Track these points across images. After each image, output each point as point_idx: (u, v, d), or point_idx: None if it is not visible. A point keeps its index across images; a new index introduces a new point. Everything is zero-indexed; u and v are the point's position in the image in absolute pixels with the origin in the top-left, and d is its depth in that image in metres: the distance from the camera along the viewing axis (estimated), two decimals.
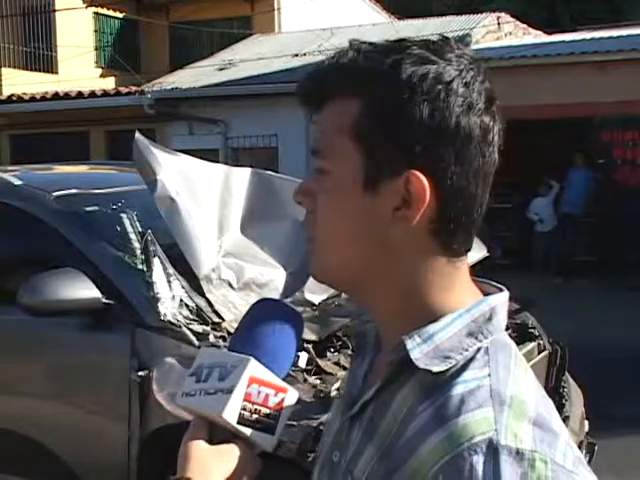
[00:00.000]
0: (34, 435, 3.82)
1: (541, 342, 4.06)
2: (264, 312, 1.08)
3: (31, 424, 3.86)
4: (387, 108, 0.92)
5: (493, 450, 0.84)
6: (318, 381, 3.26)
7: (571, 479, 0.85)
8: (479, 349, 0.93)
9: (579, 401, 4.28)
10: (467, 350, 0.92)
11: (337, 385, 3.26)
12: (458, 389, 0.90)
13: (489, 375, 0.91)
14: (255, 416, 0.99)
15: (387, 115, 0.92)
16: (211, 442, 0.99)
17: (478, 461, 0.83)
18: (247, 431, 0.99)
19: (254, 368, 0.99)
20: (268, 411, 1.00)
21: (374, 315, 1.02)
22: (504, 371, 0.92)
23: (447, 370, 0.91)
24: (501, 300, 0.98)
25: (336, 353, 3.59)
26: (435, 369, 0.91)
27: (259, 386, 0.99)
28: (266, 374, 1.00)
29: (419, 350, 0.92)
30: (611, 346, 8.24)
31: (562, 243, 13.35)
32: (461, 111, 0.92)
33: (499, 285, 1.01)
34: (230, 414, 0.98)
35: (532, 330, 4.05)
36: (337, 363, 3.48)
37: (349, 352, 3.61)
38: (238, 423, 0.98)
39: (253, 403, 0.99)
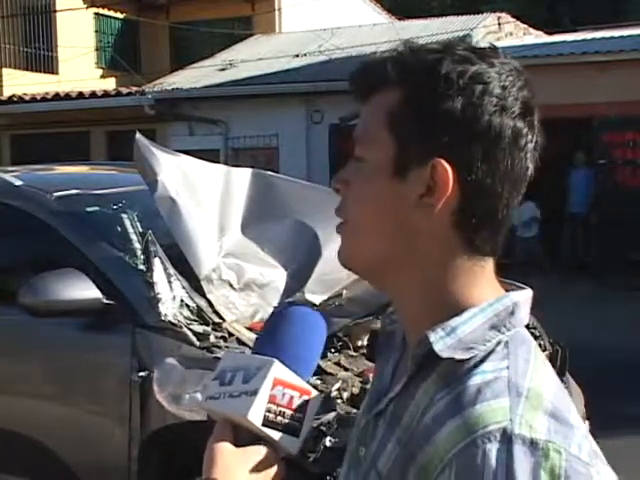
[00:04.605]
0: (34, 435, 3.83)
1: (542, 342, 4.05)
2: (289, 315, 1.08)
3: (31, 424, 3.86)
4: (422, 99, 0.96)
5: (507, 439, 0.85)
6: (319, 381, 3.25)
7: (586, 470, 0.86)
8: (499, 342, 0.95)
9: (579, 401, 4.28)
10: (489, 342, 0.95)
11: (337, 385, 3.26)
12: (476, 379, 0.91)
13: (507, 367, 0.92)
14: (280, 418, 0.99)
15: (421, 105, 0.96)
16: (236, 445, 0.99)
17: (491, 449, 0.85)
18: (272, 433, 0.99)
19: (278, 370, 0.99)
20: (292, 413, 1.00)
21: (399, 309, 1.04)
22: (523, 364, 0.93)
23: (469, 360, 0.94)
24: (524, 297, 1.00)
25: (337, 353, 3.59)
26: (458, 357, 0.93)
27: (283, 388, 0.99)
28: (290, 376, 1.00)
29: (442, 343, 0.94)
30: (611, 346, 8.24)
31: (570, 243, 13.42)
32: (494, 111, 0.95)
33: (523, 286, 1.05)
34: (255, 416, 0.97)
35: (533, 330, 4.05)
36: (338, 363, 3.48)
37: (350, 352, 3.61)
38: (263, 425, 0.98)
39: (278, 405, 0.99)
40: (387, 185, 0.97)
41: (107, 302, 3.56)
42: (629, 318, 9.57)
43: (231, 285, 3.80)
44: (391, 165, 0.97)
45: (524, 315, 0.99)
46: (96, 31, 19.82)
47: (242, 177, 4.25)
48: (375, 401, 1.04)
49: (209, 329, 3.53)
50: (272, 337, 1.05)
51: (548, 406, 0.90)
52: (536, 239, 13.53)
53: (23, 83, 17.14)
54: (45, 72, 18.43)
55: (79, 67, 18.22)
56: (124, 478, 3.54)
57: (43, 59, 18.60)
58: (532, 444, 0.85)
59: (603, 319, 9.61)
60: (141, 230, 3.88)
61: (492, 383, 0.90)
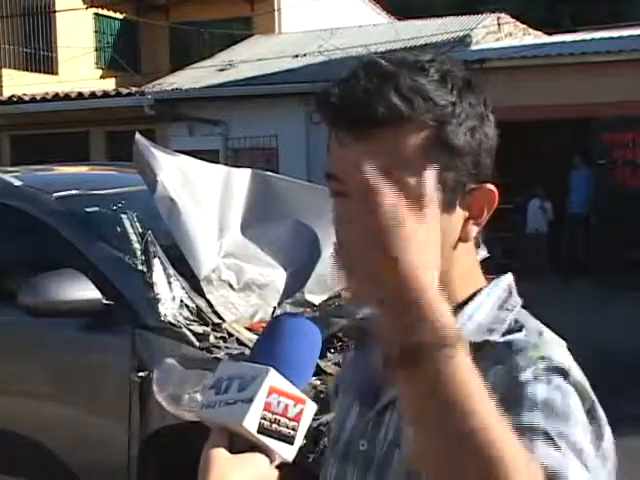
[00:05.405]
0: (34, 435, 3.83)
1: None
2: (284, 325, 1.09)
3: (31, 424, 3.87)
4: (466, 135, 1.02)
5: (551, 371, 0.98)
6: (318, 382, 3.26)
7: (599, 410, 0.99)
8: (511, 321, 1.07)
9: None
10: (506, 320, 1.06)
11: None
12: (503, 347, 1.02)
13: (526, 335, 1.05)
14: (275, 426, 0.99)
15: (465, 140, 1.02)
16: (231, 452, 1.00)
17: (537, 384, 0.96)
18: (267, 441, 0.99)
19: (274, 378, 1.00)
20: (287, 421, 1.00)
21: None
22: (535, 325, 1.07)
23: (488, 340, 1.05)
24: (511, 279, 1.13)
25: (336, 354, 3.59)
26: (492, 339, 1.04)
27: (279, 396, 1.00)
28: (286, 385, 1.01)
29: (465, 330, 1.03)
30: (611, 346, 8.23)
31: (570, 243, 13.44)
32: (493, 124, 1.06)
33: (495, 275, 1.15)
34: (250, 423, 0.98)
35: None
36: (337, 364, 3.48)
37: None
38: (258, 432, 0.98)
39: (273, 413, 0.99)
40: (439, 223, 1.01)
41: (107, 302, 3.56)
42: (629, 318, 9.56)
43: (231, 285, 3.80)
44: (439, 198, 0.98)
45: (518, 295, 1.11)
46: (96, 31, 19.81)
47: (242, 177, 4.25)
48: (368, 397, 1.11)
49: (209, 329, 3.53)
50: (268, 346, 1.05)
51: (571, 361, 1.03)
52: (545, 239, 13.55)
53: (23, 83, 17.14)
54: (45, 72, 18.43)
55: (79, 67, 18.22)
56: (124, 478, 3.54)
57: (43, 59, 18.60)
58: (567, 378, 0.98)
59: (603, 319, 9.61)
60: (141, 230, 3.88)
61: (517, 342, 1.02)
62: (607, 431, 1.00)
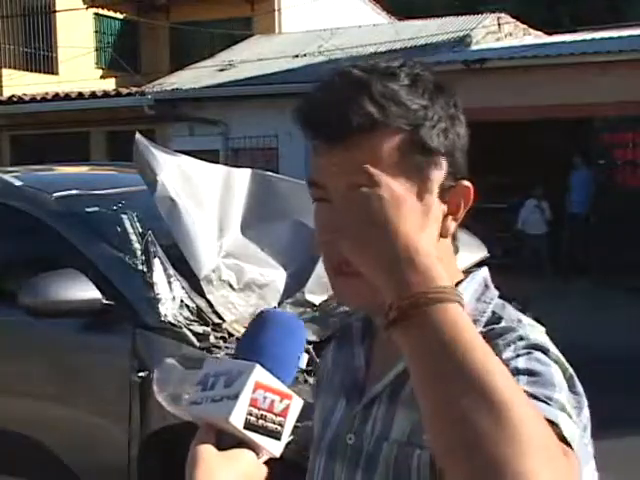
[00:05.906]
0: (34, 435, 3.83)
1: None
2: (268, 320, 1.09)
3: (31, 424, 3.87)
4: (439, 136, 1.05)
5: (531, 347, 0.99)
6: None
7: (579, 386, 1.01)
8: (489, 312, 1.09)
9: None
10: (485, 312, 1.08)
11: None
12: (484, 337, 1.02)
13: (505, 323, 1.06)
14: (261, 422, 1.00)
15: (440, 141, 1.05)
16: (218, 448, 1.01)
17: (519, 358, 0.98)
18: (253, 436, 1.00)
19: (259, 374, 1.00)
20: (274, 417, 1.01)
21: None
22: (514, 313, 1.08)
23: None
24: (487, 273, 1.16)
25: None
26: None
27: (265, 392, 1.00)
28: (272, 380, 1.01)
29: None
30: (611, 346, 8.24)
31: (570, 243, 13.45)
32: (464, 123, 1.10)
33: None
34: (237, 419, 0.98)
35: None
36: None
37: None
38: (244, 428, 0.99)
39: (259, 409, 1.00)
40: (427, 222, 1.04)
41: (107, 303, 3.56)
42: (629, 318, 9.57)
43: (231, 285, 3.80)
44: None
45: (494, 287, 1.14)
46: (96, 31, 19.82)
47: (242, 177, 4.25)
48: (354, 392, 1.14)
49: (209, 329, 3.53)
50: (253, 342, 1.06)
51: (545, 337, 1.05)
52: (544, 238, 13.56)
53: (23, 83, 17.15)
54: (45, 72, 18.44)
55: (79, 67, 18.23)
56: (124, 478, 3.55)
57: (43, 59, 18.61)
58: (547, 354, 1.00)
59: (603, 319, 9.61)
60: (141, 230, 3.88)
61: (497, 330, 1.04)
62: (585, 405, 1.01)
